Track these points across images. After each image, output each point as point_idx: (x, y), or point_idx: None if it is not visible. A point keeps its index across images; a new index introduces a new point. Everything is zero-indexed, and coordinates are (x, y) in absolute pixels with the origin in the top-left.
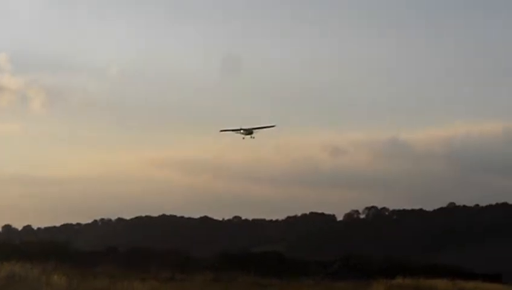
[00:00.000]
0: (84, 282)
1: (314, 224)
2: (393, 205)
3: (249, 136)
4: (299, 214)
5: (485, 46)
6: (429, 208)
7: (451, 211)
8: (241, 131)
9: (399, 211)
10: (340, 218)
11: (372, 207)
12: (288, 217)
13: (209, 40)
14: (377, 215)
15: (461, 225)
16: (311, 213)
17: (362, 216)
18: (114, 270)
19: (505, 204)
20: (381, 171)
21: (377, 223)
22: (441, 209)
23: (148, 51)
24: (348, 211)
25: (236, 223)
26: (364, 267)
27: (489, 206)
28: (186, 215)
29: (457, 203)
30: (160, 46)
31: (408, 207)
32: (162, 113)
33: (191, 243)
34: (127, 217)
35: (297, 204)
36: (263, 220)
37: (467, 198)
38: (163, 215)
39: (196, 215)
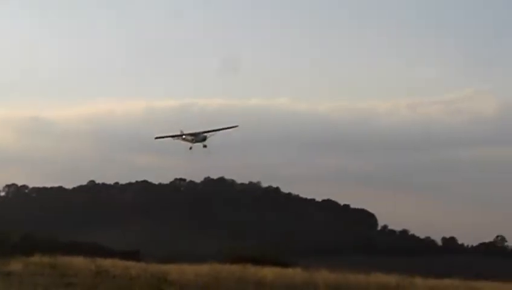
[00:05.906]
0: None
1: None
2: (33, 182)
3: (199, 143)
4: None
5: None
6: (69, 185)
7: (91, 188)
8: (183, 136)
9: (39, 188)
10: None
11: (13, 184)
12: None
13: None
14: (16, 192)
15: (101, 203)
16: None
17: (2, 193)
18: None
19: (144, 182)
20: (23, 149)
21: (17, 200)
22: (81, 187)
23: None
24: None
25: None
26: (3, 244)
27: (129, 184)
28: None
29: (97, 181)
30: None
31: (48, 185)
32: None
33: None
34: None
35: None
36: None
37: (108, 176)
38: None
39: None
